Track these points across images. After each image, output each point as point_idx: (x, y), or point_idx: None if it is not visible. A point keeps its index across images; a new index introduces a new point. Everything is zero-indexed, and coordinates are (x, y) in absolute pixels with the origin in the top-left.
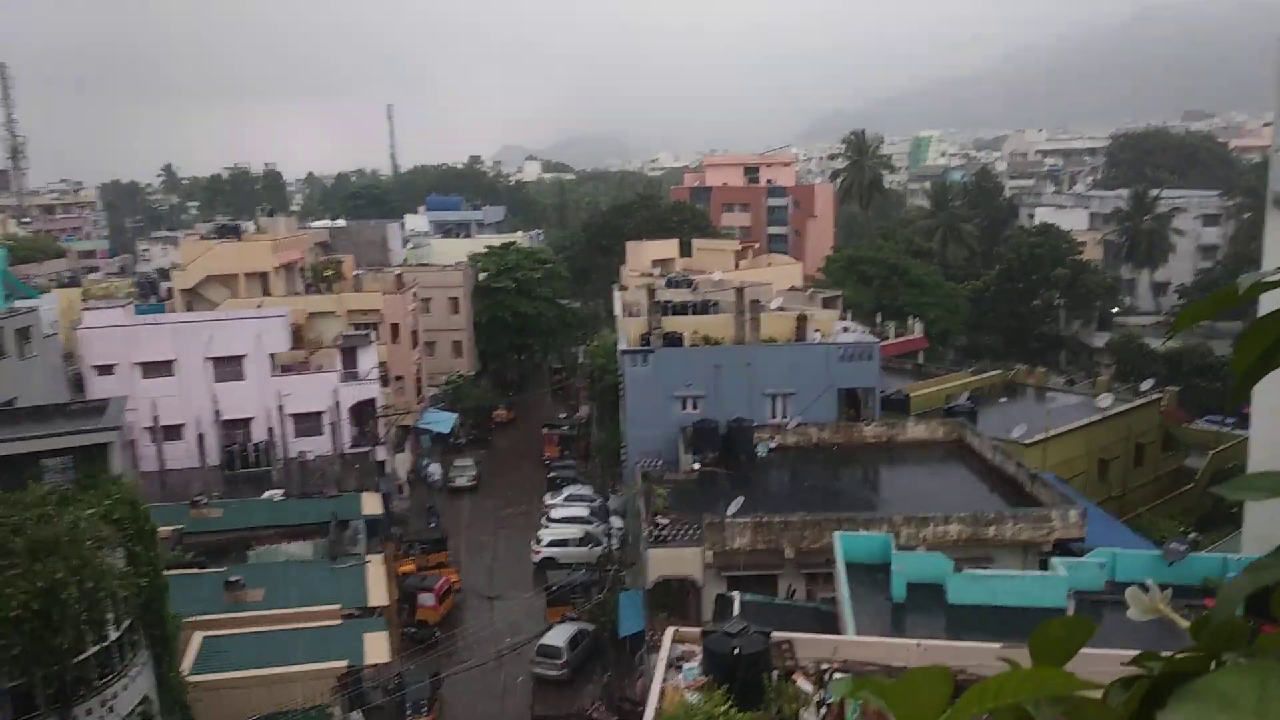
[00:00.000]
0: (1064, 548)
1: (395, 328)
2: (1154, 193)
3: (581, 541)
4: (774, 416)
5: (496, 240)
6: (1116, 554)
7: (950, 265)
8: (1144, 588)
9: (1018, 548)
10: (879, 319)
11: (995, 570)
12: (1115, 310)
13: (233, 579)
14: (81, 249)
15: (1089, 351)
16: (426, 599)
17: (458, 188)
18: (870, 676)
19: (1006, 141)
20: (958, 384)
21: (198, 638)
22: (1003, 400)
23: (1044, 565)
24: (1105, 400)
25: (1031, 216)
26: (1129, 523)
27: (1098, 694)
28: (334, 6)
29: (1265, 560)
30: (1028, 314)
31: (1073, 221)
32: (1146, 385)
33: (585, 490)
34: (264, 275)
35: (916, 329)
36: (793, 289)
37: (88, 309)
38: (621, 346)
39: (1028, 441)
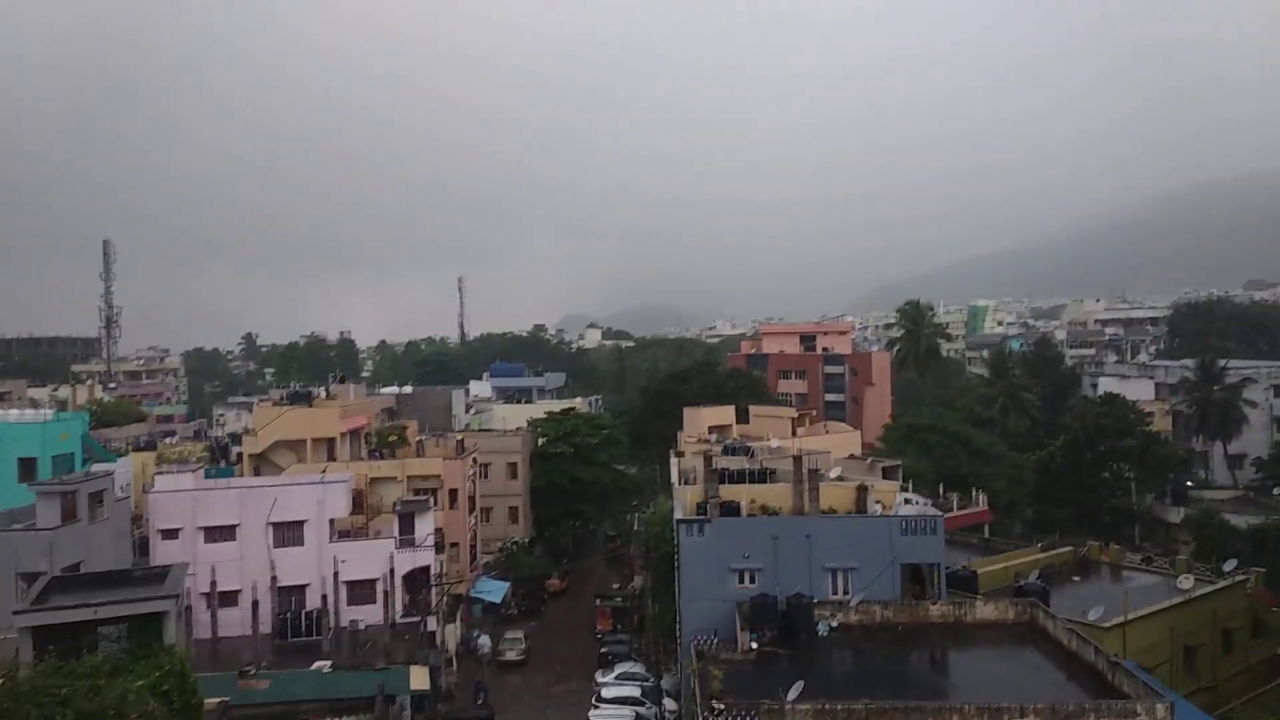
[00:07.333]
0: None
1: (453, 493)
2: (1221, 363)
3: None
4: (835, 592)
5: (557, 406)
6: None
7: (1012, 434)
8: None
9: None
10: (941, 489)
11: None
12: (1190, 484)
13: None
14: (161, 413)
15: (1165, 527)
16: None
17: (521, 354)
18: None
19: (1065, 310)
20: (1027, 560)
21: None
22: (1075, 579)
23: None
24: (1187, 581)
25: (1095, 386)
26: (1222, 719)
27: None
28: (400, 192)
29: None
30: (1097, 486)
31: (1138, 391)
32: (1230, 565)
33: (638, 668)
34: (331, 441)
35: (981, 500)
36: (851, 457)
37: (160, 473)
38: (678, 515)
39: (1106, 625)
